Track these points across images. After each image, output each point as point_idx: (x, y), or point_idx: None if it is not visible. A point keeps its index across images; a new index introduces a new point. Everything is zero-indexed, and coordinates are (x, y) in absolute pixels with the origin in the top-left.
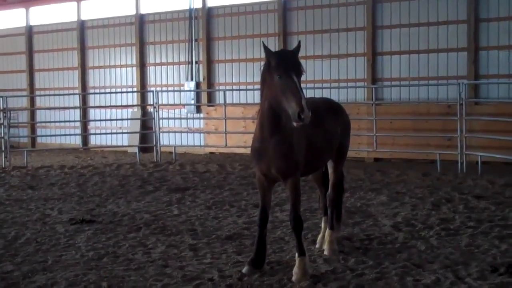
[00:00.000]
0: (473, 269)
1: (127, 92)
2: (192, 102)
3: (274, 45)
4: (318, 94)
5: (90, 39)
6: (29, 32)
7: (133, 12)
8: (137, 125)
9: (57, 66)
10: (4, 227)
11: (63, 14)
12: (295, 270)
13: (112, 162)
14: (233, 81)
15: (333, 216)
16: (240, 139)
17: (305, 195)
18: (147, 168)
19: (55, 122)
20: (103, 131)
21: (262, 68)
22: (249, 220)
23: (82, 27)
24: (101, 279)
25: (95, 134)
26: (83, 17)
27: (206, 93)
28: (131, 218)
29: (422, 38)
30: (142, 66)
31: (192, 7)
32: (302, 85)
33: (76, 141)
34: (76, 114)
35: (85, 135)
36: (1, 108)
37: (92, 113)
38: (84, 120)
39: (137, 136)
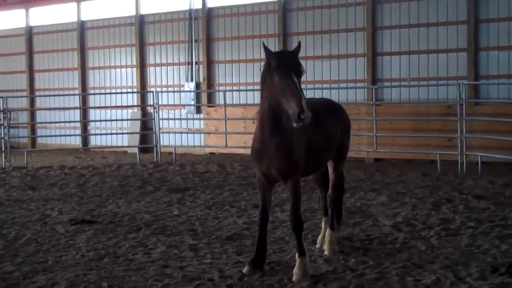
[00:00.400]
0: (473, 269)
1: (127, 92)
2: (192, 102)
3: (274, 46)
4: (318, 94)
5: (90, 40)
6: (29, 33)
7: (133, 13)
8: (137, 126)
9: (57, 67)
10: (4, 227)
11: (63, 15)
12: (296, 270)
13: (112, 162)
14: (233, 82)
15: (333, 216)
16: (240, 139)
17: (305, 195)
18: (147, 168)
19: (55, 122)
20: (103, 131)
21: (262, 68)
22: (249, 221)
23: (82, 27)
24: (101, 280)
25: (95, 134)
26: (83, 18)
27: (206, 93)
28: (131, 219)
29: (422, 39)
30: (142, 66)
31: (192, 7)
32: (302, 86)
33: (76, 141)
34: (76, 115)
35: (85, 135)
36: (1, 108)
37: (92, 114)
38: (84, 121)
39: (137, 136)
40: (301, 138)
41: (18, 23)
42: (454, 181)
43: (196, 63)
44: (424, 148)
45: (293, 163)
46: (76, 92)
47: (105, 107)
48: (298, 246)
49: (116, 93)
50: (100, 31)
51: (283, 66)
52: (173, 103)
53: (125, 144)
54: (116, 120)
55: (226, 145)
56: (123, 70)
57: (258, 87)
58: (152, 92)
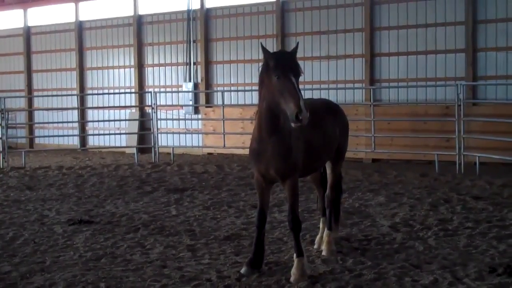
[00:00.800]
0: (471, 269)
1: (125, 93)
2: (190, 103)
3: (272, 46)
4: (316, 95)
5: (88, 40)
6: (27, 33)
7: (131, 13)
8: (135, 126)
9: (55, 67)
10: (2, 227)
11: (61, 15)
12: (293, 270)
13: (110, 163)
14: (231, 82)
15: (331, 216)
16: (238, 140)
17: (303, 196)
18: (145, 169)
19: (53, 123)
20: (101, 132)
21: (260, 69)
22: (247, 221)
23: (80, 28)
24: (99, 280)
25: (93, 135)
26: (81, 18)
27: (204, 94)
28: (129, 219)
29: (420, 39)
30: (140, 67)
31: (190, 8)
32: (301, 86)
33: (74, 142)
34: (74, 115)
35: (83, 136)
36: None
37: (90, 114)
38: (82, 121)
39: (135, 137)
40: (299, 139)
41: (16, 23)
42: (452, 181)
43: (194, 63)
44: (422, 148)
45: (291, 163)
46: (74, 92)
47: (103, 108)
48: (296, 247)
49: (114, 93)
50: (98, 31)
51: (281, 67)
52: (171, 104)
53: (123, 144)
54: (114, 120)
55: (224, 145)
56: (121, 70)
57: (256, 87)
58: (150, 92)
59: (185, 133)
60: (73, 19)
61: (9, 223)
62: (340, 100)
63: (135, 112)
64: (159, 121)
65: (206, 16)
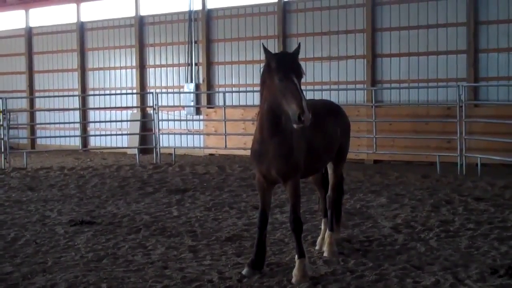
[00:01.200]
0: (472, 271)
1: (126, 93)
2: (192, 104)
3: (273, 47)
4: (317, 96)
5: (89, 41)
6: (29, 34)
7: (133, 14)
8: (136, 127)
9: (57, 68)
10: (3, 228)
11: (63, 16)
12: (295, 272)
13: (111, 163)
14: (233, 83)
15: (333, 218)
16: (239, 140)
17: (305, 197)
18: (147, 169)
19: (54, 123)
20: (103, 132)
21: (261, 70)
22: (249, 222)
23: (81, 28)
24: (100, 281)
25: (95, 135)
26: (82, 19)
27: (206, 95)
28: (131, 220)
29: (421, 41)
30: (141, 68)
31: (191, 9)
32: (302, 87)
33: (76, 142)
34: (76, 116)
35: (84, 136)
36: (1, 109)
37: (92, 115)
38: (84, 122)
39: (136, 137)
40: (300, 140)
41: (17, 24)
42: (453, 183)
43: (195, 64)
44: (423, 149)
45: (292, 164)
46: (76, 93)
47: (105, 108)
48: (297, 248)
49: (115, 94)
50: (100, 32)
51: (283, 68)
52: (172, 104)
53: (125, 145)
54: (116, 121)
55: (225, 146)
56: (123, 71)
57: (258, 88)
58: (152, 93)
59: (187, 134)
60: (74, 20)
61: (11, 223)
62: (341, 101)
63: (136, 113)
64: (160, 122)
65: (208, 17)
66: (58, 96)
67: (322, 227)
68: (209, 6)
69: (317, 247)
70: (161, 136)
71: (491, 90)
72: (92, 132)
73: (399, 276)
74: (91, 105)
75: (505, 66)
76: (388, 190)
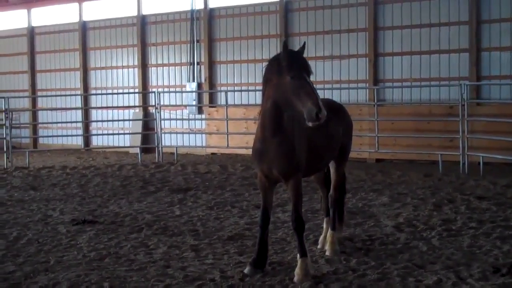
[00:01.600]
0: (475, 270)
1: (129, 93)
2: (194, 103)
3: (275, 47)
4: (320, 95)
5: (92, 40)
6: (31, 33)
7: (135, 13)
8: (138, 126)
9: (59, 67)
10: (6, 227)
11: (65, 15)
12: (297, 270)
13: (113, 163)
14: (235, 82)
15: (335, 216)
16: (241, 140)
17: (307, 196)
18: (149, 168)
19: (57, 123)
20: (105, 132)
21: (264, 68)
22: (251, 221)
23: (84, 28)
24: (103, 280)
25: (97, 135)
26: (85, 18)
27: (208, 94)
28: (133, 219)
29: (423, 39)
30: (144, 67)
31: (193, 8)
32: None
33: (78, 141)
34: (78, 115)
35: (87, 136)
36: (3, 109)
37: (94, 114)
38: (86, 121)
39: (138, 137)
40: (302, 139)
41: (20, 24)
42: (455, 181)
43: (197, 63)
44: (425, 148)
45: (294, 163)
46: (78, 92)
47: (107, 108)
48: (299, 247)
49: (118, 93)
50: (102, 31)
51: (296, 66)
52: (174, 104)
53: (127, 144)
54: (118, 120)
55: (227, 145)
56: (125, 70)
57: (260, 87)
58: (154, 92)
59: (189, 133)
60: (76, 19)
61: (13, 223)
62: (343, 100)
63: (138, 112)
64: (162, 121)
65: (210, 16)
66: (60, 96)
67: (324, 226)
68: (211, 5)
69: (319, 246)
70: (163, 135)
71: (494, 89)
72: (94, 131)
73: (401, 275)
74: (93, 104)
75: (508, 64)
76: (390, 189)
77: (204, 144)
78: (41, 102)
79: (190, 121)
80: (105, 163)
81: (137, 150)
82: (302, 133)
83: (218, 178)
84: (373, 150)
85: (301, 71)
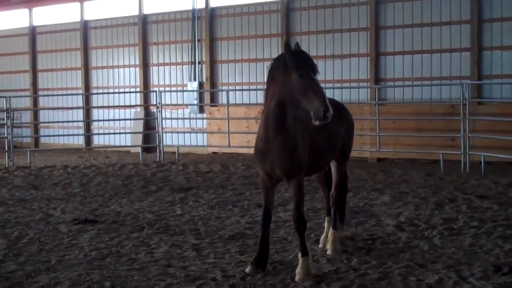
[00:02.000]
0: (476, 269)
1: (130, 92)
2: (195, 102)
3: (277, 46)
4: None
5: (93, 40)
6: (32, 33)
7: (136, 13)
8: (140, 125)
9: (60, 66)
10: (7, 227)
11: (66, 15)
12: (298, 270)
13: (115, 162)
14: (236, 81)
15: (336, 216)
16: (243, 139)
17: (308, 195)
18: (150, 168)
19: (58, 122)
20: (106, 131)
21: (269, 66)
22: (252, 220)
23: (85, 27)
24: (104, 279)
25: (98, 134)
26: (86, 18)
27: (209, 93)
28: (134, 218)
29: (425, 38)
30: (145, 66)
31: (195, 7)
32: None
33: (79, 141)
34: (79, 114)
35: (88, 135)
36: (4, 108)
37: (95, 113)
38: (87, 120)
39: (140, 136)
40: (305, 138)
41: (21, 23)
42: (457, 180)
43: (199, 62)
44: (427, 147)
45: (297, 162)
46: (79, 91)
47: (108, 107)
48: (301, 246)
49: (119, 92)
50: (103, 30)
51: (303, 65)
52: (176, 103)
53: (128, 143)
54: (119, 119)
55: (229, 144)
56: (126, 69)
57: (261, 86)
58: (155, 91)
59: (190, 132)
60: (78, 19)
61: (14, 222)
62: (345, 99)
63: (140, 111)
64: (164, 120)
65: (211, 15)
66: (62, 95)
67: (326, 225)
68: (213, 4)
69: (320, 245)
70: (164, 134)
71: (495, 88)
72: (95, 131)
73: (403, 274)
74: (94, 104)
75: (509, 63)
76: (391, 188)
77: (205, 144)
78: (42, 102)
79: (191, 120)
80: (106, 163)
81: (139, 150)
82: (305, 133)
83: (219, 177)
84: (374, 149)
85: (308, 69)
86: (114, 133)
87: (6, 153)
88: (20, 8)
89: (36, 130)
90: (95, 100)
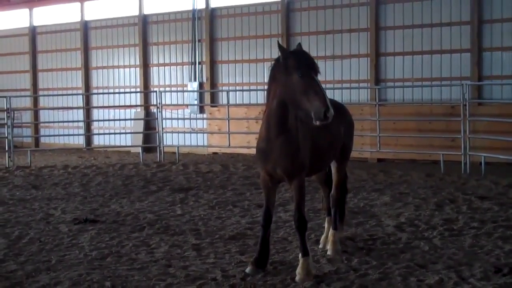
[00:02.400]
0: (476, 269)
1: (130, 92)
2: (195, 102)
3: (277, 47)
4: None
5: (93, 40)
6: (33, 33)
7: (137, 13)
8: (140, 125)
9: (61, 66)
10: (7, 226)
11: (67, 15)
12: (299, 270)
13: (115, 162)
14: (236, 82)
15: (337, 216)
16: (243, 139)
17: (309, 195)
18: (150, 168)
19: (58, 122)
20: (107, 131)
21: (271, 66)
22: (253, 220)
23: (85, 27)
24: (104, 279)
25: (99, 134)
26: (86, 18)
27: (209, 93)
28: (135, 218)
29: (425, 39)
30: (145, 66)
31: (195, 8)
32: None
33: (80, 141)
34: (80, 114)
35: (88, 135)
36: (5, 108)
37: (96, 113)
38: (88, 120)
39: (140, 136)
40: (306, 138)
41: (21, 23)
42: (457, 181)
43: (199, 63)
44: (427, 148)
45: (298, 163)
46: (80, 91)
47: (109, 107)
48: (301, 246)
49: (119, 92)
50: (104, 31)
51: (304, 65)
52: (176, 103)
53: (128, 143)
54: (120, 119)
55: (229, 145)
56: (127, 70)
57: (261, 87)
58: (155, 91)
59: (190, 133)
60: (78, 19)
61: (15, 222)
62: (345, 100)
63: (140, 112)
64: (164, 121)
65: (211, 15)
66: (62, 95)
67: (326, 225)
68: (213, 5)
69: (320, 246)
70: (164, 134)
71: (495, 89)
72: (95, 131)
73: (403, 274)
74: (94, 104)
75: (509, 64)
76: (391, 189)
77: (205, 144)
78: (42, 101)
79: (191, 120)
80: (106, 163)
81: (139, 150)
82: (306, 133)
83: (219, 178)
84: (374, 150)
85: (309, 69)
86: (115, 133)
87: (7, 153)
88: (20, 8)
89: (37, 130)
90: (95, 100)
